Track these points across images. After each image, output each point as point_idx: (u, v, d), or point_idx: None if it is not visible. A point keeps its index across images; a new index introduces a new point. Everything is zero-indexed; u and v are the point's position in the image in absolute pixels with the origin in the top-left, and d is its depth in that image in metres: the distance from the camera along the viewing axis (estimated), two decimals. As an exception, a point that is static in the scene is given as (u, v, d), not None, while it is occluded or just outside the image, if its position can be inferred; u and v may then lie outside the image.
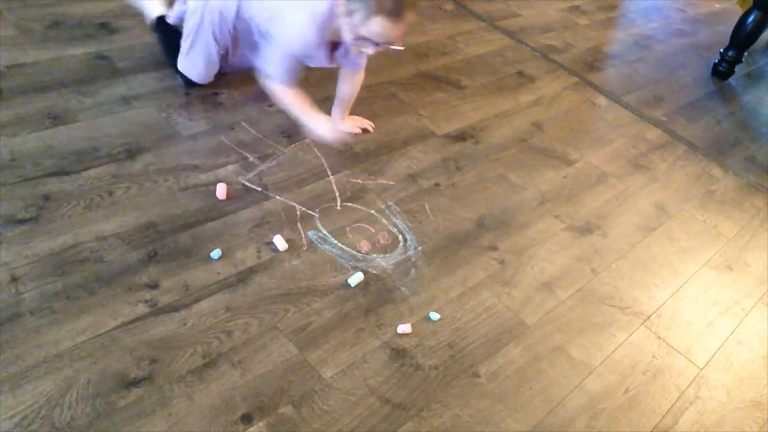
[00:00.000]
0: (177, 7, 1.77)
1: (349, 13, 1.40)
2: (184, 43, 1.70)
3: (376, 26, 1.38)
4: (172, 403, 1.09)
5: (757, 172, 2.16)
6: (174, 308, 1.24)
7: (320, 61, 1.59)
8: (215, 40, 1.66)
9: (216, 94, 1.81)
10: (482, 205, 1.69)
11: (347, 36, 1.45)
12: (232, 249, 1.38)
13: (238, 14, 1.63)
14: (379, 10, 1.36)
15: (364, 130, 1.83)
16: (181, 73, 1.75)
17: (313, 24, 1.47)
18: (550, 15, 2.92)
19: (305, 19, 1.47)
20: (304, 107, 1.62)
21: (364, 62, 1.71)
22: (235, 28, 1.66)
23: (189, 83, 1.77)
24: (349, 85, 1.75)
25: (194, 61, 1.72)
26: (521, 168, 1.86)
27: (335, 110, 1.79)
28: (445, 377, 1.26)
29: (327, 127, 1.62)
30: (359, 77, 1.75)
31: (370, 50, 1.46)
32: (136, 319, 1.20)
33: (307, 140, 1.68)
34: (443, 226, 1.60)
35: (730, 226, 1.87)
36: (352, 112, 1.84)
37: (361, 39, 1.43)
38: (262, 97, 1.70)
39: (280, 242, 1.41)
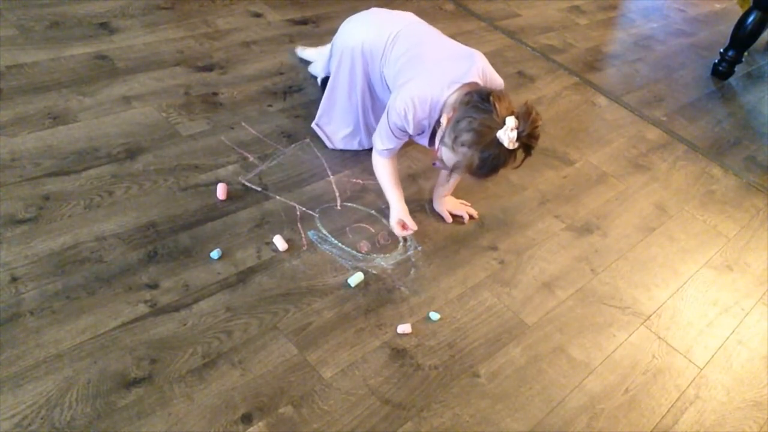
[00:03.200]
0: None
1: (442, 141, 1.33)
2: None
3: (458, 174, 1.35)
4: (172, 403, 1.09)
5: (757, 172, 2.16)
6: (174, 308, 1.24)
7: (423, 141, 1.52)
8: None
9: (216, 94, 1.81)
10: (482, 205, 1.69)
11: (435, 145, 1.38)
12: (232, 249, 1.38)
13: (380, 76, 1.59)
14: (467, 167, 1.30)
15: (454, 217, 1.63)
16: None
17: (411, 108, 1.38)
18: (550, 15, 2.92)
19: (409, 98, 1.38)
20: (392, 186, 1.51)
21: None
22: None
23: None
24: None
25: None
26: (521, 168, 1.85)
27: (437, 187, 1.63)
28: (445, 377, 1.26)
29: (396, 218, 1.49)
30: None
31: (445, 171, 1.42)
32: (136, 319, 1.20)
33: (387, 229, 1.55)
34: (443, 226, 1.60)
35: (730, 226, 1.87)
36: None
37: (442, 163, 1.37)
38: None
39: (280, 242, 1.41)
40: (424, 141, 1.50)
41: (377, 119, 1.60)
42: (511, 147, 1.25)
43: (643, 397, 1.33)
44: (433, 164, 1.48)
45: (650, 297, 1.57)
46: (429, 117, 1.40)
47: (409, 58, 1.48)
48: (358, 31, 1.60)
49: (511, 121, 1.24)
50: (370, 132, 1.68)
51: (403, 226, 1.48)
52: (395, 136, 1.45)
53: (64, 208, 1.37)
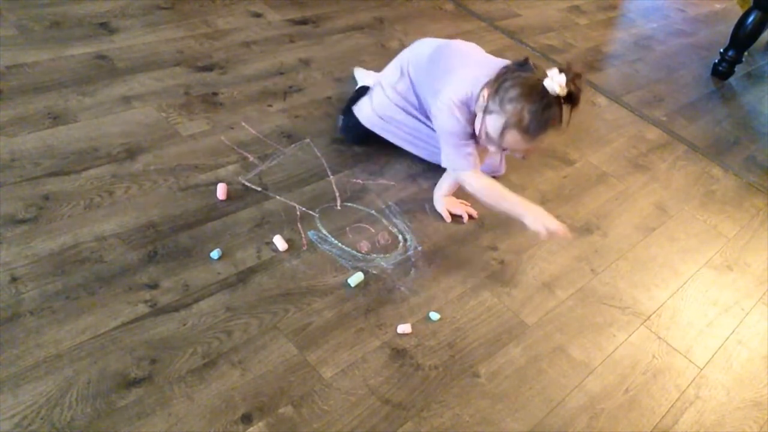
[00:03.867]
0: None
1: (487, 111, 1.34)
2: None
3: (508, 137, 1.33)
4: (172, 403, 1.09)
5: (757, 172, 2.16)
6: (174, 308, 1.24)
7: None
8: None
9: (216, 94, 1.81)
10: (482, 205, 1.68)
11: (477, 127, 1.40)
12: (232, 249, 1.38)
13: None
14: (516, 124, 1.30)
15: (453, 216, 1.61)
16: (345, 117, 1.74)
17: (453, 107, 1.42)
18: (550, 15, 2.92)
19: (449, 112, 1.42)
20: (508, 192, 1.46)
21: (503, 166, 1.70)
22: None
23: (345, 129, 1.74)
24: None
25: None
26: (521, 168, 1.86)
27: (444, 184, 1.61)
28: (445, 377, 1.26)
29: (543, 216, 1.43)
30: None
31: (492, 149, 1.41)
32: (136, 319, 1.20)
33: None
34: (443, 226, 1.60)
35: (730, 226, 1.87)
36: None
37: (489, 138, 1.37)
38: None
39: (280, 242, 1.41)
40: None
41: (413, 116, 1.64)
42: (560, 92, 1.26)
43: (643, 397, 1.33)
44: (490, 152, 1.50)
45: (650, 297, 1.57)
46: (467, 109, 1.43)
47: (443, 59, 1.53)
48: (413, 45, 1.69)
49: (554, 71, 1.26)
50: (391, 127, 1.68)
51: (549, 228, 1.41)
52: (463, 142, 1.45)
53: (64, 208, 1.37)
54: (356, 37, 2.28)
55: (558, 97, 1.28)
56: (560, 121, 1.31)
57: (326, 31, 2.26)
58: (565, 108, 1.30)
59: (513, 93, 1.29)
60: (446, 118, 1.44)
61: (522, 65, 1.34)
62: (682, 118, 2.35)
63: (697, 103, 2.49)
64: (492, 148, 1.43)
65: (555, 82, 1.25)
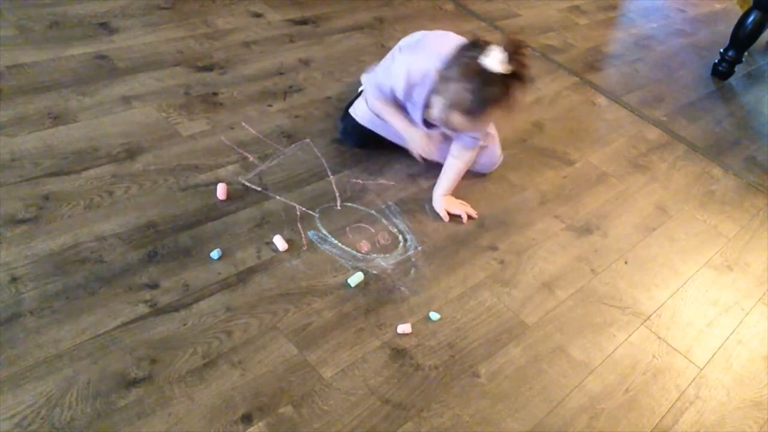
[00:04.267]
0: None
1: (436, 91, 1.37)
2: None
3: (452, 118, 1.35)
4: (172, 403, 1.09)
5: (757, 172, 2.16)
6: (174, 308, 1.24)
7: (417, 119, 1.56)
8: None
9: (216, 94, 1.81)
10: (482, 205, 1.69)
11: (434, 109, 1.42)
12: (232, 249, 1.38)
13: None
14: (458, 105, 1.31)
15: (452, 216, 1.61)
16: (344, 121, 1.74)
17: (405, 77, 1.45)
18: (550, 15, 2.92)
19: (402, 70, 1.46)
20: (401, 118, 1.58)
21: (476, 142, 1.63)
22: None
23: (345, 133, 1.74)
24: (455, 161, 1.60)
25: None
26: (521, 168, 1.86)
27: (442, 184, 1.62)
28: (445, 377, 1.26)
29: (418, 140, 1.57)
30: (470, 155, 1.61)
31: (447, 131, 1.44)
32: (136, 319, 1.20)
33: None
34: (443, 226, 1.60)
35: (730, 226, 1.87)
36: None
37: (439, 118, 1.40)
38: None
39: (280, 242, 1.41)
40: (417, 116, 1.55)
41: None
42: (501, 70, 1.25)
43: (643, 397, 1.33)
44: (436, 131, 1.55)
45: (650, 297, 1.57)
46: (422, 83, 1.44)
47: (430, 40, 1.55)
48: (405, 37, 1.69)
49: (494, 47, 1.26)
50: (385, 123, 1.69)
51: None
52: (380, 92, 1.54)
53: (64, 208, 1.37)
54: (356, 37, 2.28)
55: (501, 74, 1.27)
56: (506, 98, 1.30)
57: (326, 31, 2.26)
58: (517, 85, 1.29)
59: (453, 73, 1.31)
60: (396, 70, 1.48)
61: (472, 45, 1.34)
62: (682, 118, 2.35)
63: (697, 103, 2.49)
64: (445, 129, 1.45)
65: (494, 60, 1.25)
